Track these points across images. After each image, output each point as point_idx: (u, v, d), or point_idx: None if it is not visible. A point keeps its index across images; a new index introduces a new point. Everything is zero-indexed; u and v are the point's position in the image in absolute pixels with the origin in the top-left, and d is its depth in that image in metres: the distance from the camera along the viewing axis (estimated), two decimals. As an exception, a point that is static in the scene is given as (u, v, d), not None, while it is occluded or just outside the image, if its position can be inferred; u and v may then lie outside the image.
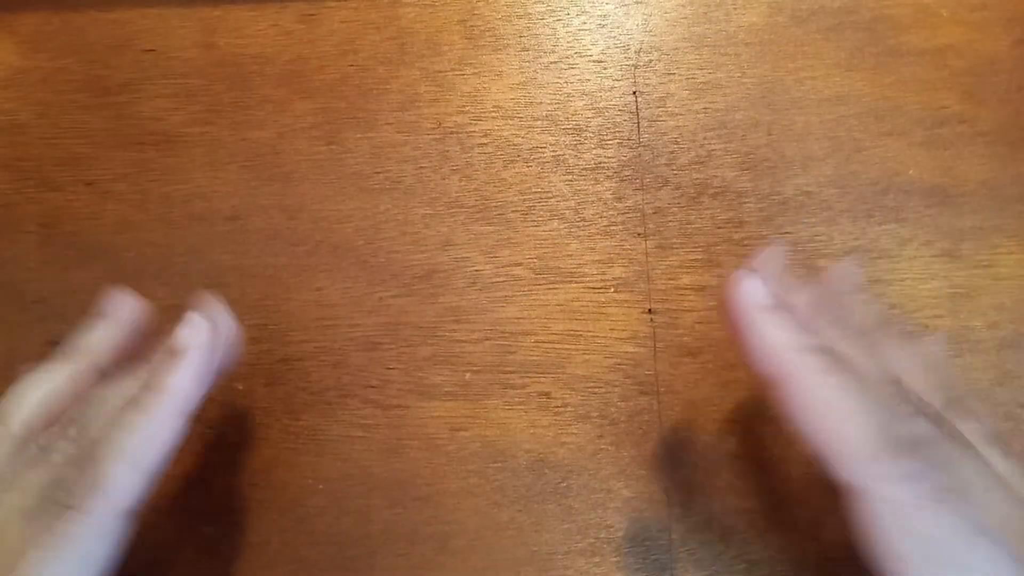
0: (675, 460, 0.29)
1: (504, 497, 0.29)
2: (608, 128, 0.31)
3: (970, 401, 0.20)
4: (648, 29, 0.32)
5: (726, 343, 0.30)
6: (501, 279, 0.31)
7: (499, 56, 0.32)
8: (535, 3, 0.32)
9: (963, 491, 0.17)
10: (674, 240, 0.31)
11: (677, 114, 0.31)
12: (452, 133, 0.31)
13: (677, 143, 0.31)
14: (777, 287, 0.20)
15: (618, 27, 0.32)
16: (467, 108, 0.32)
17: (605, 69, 0.32)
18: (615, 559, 0.29)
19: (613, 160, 0.31)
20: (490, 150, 0.31)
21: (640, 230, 0.31)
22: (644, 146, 0.31)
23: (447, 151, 0.31)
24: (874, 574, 0.18)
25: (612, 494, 0.29)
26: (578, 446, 0.30)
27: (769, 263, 0.21)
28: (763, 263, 0.20)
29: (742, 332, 0.19)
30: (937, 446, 0.18)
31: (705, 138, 0.31)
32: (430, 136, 0.32)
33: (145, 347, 0.24)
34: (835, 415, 0.18)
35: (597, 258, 0.31)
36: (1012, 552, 0.17)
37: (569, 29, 0.32)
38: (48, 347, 0.23)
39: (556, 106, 0.32)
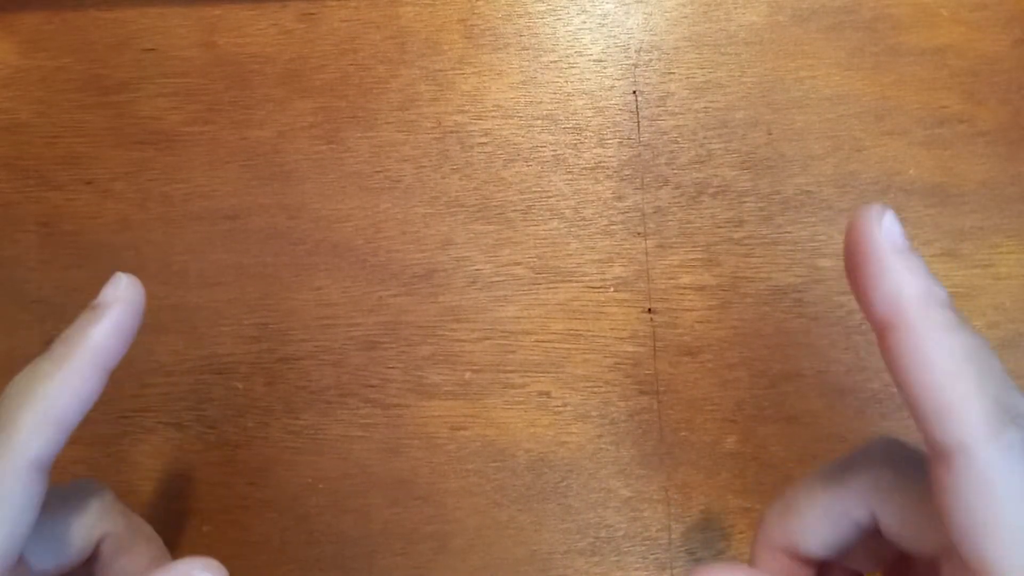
0: (675, 460, 0.30)
1: (504, 496, 0.29)
2: (608, 127, 0.31)
3: None
4: (648, 28, 0.32)
5: (726, 343, 0.30)
6: (501, 278, 0.31)
7: (499, 55, 0.32)
8: (535, 2, 0.32)
9: None
10: (674, 239, 0.31)
11: (677, 113, 0.31)
12: (452, 132, 0.31)
13: (677, 142, 0.31)
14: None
15: (618, 26, 0.32)
16: (467, 107, 0.32)
17: (605, 68, 0.32)
18: (615, 558, 0.29)
19: (613, 159, 0.31)
20: (490, 149, 0.31)
21: (640, 229, 0.31)
22: (644, 145, 0.31)
23: (447, 150, 0.31)
24: (956, 543, 0.17)
25: (612, 493, 0.29)
26: (578, 445, 0.30)
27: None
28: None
29: (870, 270, 0.18)
30: None
31: (705, 137, 0.31)
32: (430, 135, 0.32)
33: None
34: (955, 373, 0.17)
35: (597, 257, 0.31)
36: None
37: (569, 28, 0.32)
38: (48, 347, 0.23)
39: (556, 105, 0.32)
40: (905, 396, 0.18)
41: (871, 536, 0.20)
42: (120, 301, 0.22)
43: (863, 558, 0.21)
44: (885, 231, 0.18)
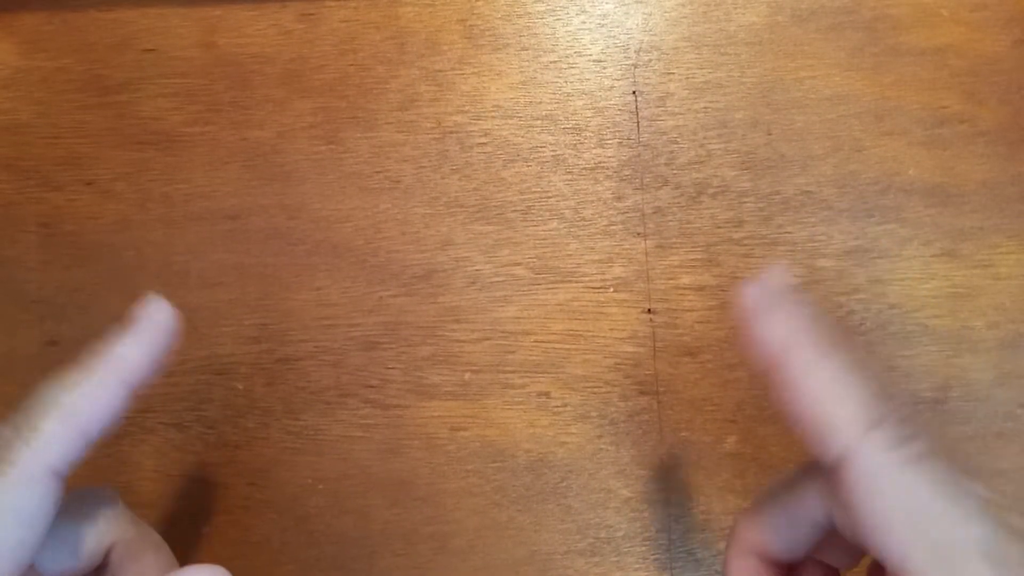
0: (675, 460, 0.29)
1: (504, 497, 0.29)
2: (608, 128, 0.31)
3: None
4: (648, 28, 0.32)
5: (726, 343, 0.30)
6: (501, 279, 0.31)
7: (499, 55, 0.32)
8: (535, 2, 0.32)
9: (945, 453, 0.18)
10: (674, 240, 0.31)
11: (677, 113, 0.31)
12: (452, 132, 0.32)
13: (677, 143, 0.31)
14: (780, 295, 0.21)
15: (618, 26, 0.32)
16: (467, 108, 0.32)
17: (605, 68, 0.32)
18: (615, 559, 0.29)
19: (613, 160, 0.31)
20: (490, 150, 0.31)
21: (640, 230, 0.31)
22: (644, 146, 0.31)
23: (447, 151, 0.31)
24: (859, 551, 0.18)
25: (611, 494, 0.29)
26: (577, 446, 0.30)
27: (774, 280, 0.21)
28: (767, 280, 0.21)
29: (744, 325, 0.20)
30: (918, 418, 0.18)
31: (705, 138, 0.31)
32: (430, 135, 0.32)
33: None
34: (825, 395, 0.19)
35: (597, 258, 0.31)
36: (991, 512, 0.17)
37: (569, 28, 0.32)
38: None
39: (556, 106, 0.32)
40: (795, 427, 0.19)
41: (838, 534, 0.20)
42: (149, 319, 0.22)
43: (839, 554, 0.22)
44: (762, 284, 0.20)
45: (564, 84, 0.32)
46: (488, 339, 0.30)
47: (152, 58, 0.32)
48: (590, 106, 0.32)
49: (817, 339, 0.19)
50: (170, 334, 0.23)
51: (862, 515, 0.18)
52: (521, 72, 0.32)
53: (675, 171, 0.31)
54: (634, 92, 0.32)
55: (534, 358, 0.30)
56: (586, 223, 0.31)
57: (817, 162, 0.31)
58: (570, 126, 0.31)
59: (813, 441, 0.19)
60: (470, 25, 0.32)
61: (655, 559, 0.29)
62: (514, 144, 0.31)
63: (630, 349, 0.30)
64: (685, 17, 0.32)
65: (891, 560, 0.17)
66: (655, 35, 0.32)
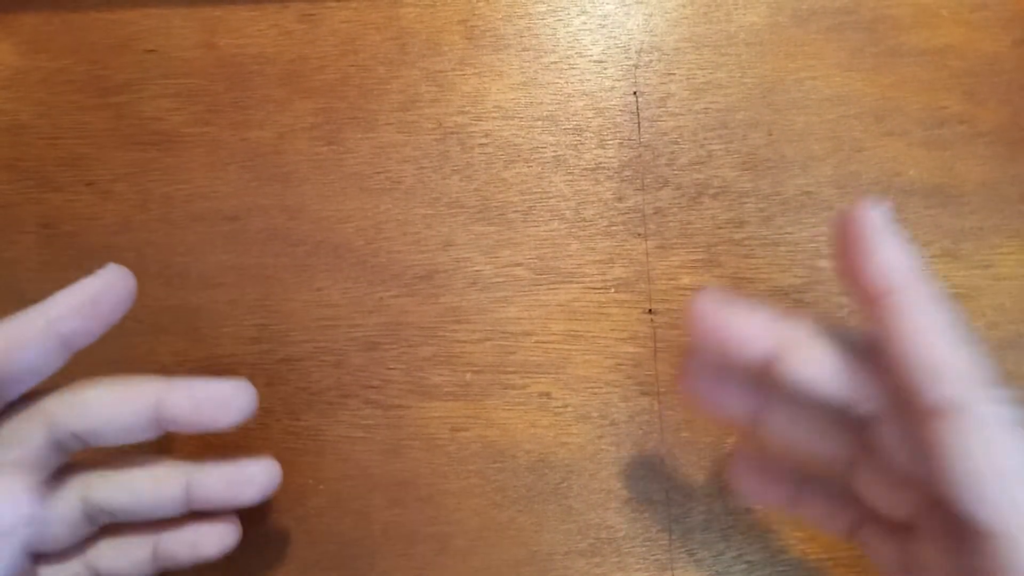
0: (675, 460, 0.30)
1: (504, 497, 0.29)
2: (608, 128, 0.31)
3: None
4: (648, 29, 0.32)
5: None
6: (501, 279, 0.31)
7: (500, 56, 0.32)
8: (536, 3, 0.32)
9: None
10: (674, 240, 0.31)
11: (677, 114, 0.32)
12: (452, 133, 0.32)
13: (677, 143, 0.31)
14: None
15: (618, 27, 0.32)
16: (468, 108, 0.32)
17: (605, 69, 0.32)
18: (615, 559, 0.29)
19: (613, 160, 0.31)
20: (490, 150, 0.31)
21: (640, 230, 0.31)
22: (644, 146, 0.31)
23: (447, 151, 0.31)
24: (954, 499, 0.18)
25: (612, 494, 0.29)
26: (578, 446, 0.30)
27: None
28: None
29: (866, 245, 0.20)
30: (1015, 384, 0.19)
31: (705, 138, 0.31)
32: (430, 136, 0.32)
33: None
34: (947, 337, 0.19)
35: (597, 258, 0.31)
36: None
37: (569, 29, 0.32)
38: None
39: (556, 106, 0.32)
40: (899, 357, 0.19)
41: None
42: (94, 278, 0.22)
43: (880, 491, 0.22)
44: (880, 214, 0.20)
45: (565, 85, 0.32)
46: (489, 340, 0.30)
47: (153, 59, 0.32)
48: (591, 107, 0.32)
49: (930, 278, 0.19)
50: (115, 289, 0.22)
51: (962, 467, 0.18)
52: (522, 73, 0.32)
53: (676, 172, 0.31)
54: (635, 93, 0.32)
55: (535, 359, 0.30)
56: (587, 224, 0.31)
57: (817, 163, 0.31)
58: (571, 127, 0.32)
59: (921, 379, 0.18)
60: (471, 26, 0.32)
61: (655, 559, 0.29)
62: (515, 145, 0.31)
63: (631, 350, 0.30)
64: (686, 18, 0.32)
65: (980, 516, 0.18)
66: (656, 36, 0.32)
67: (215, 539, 0.25)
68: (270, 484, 0.25)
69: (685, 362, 0.23)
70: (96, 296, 0.22)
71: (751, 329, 0.20)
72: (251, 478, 0.25)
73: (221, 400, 0.23)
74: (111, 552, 0.24)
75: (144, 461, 0.24)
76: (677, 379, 0.23)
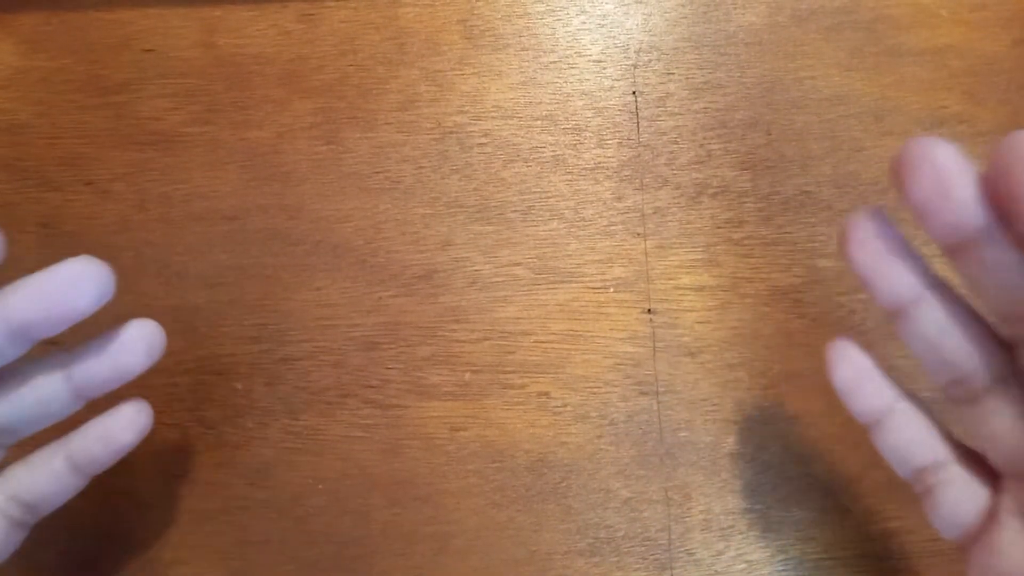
0: (675, 460, 0.29)
1: (503, 497, 0.29)
2: (608, 128, 0.31)
3: None
4: (648, 29, 0.32)
5: (726, 343, 0.30)
6: (501, 279, 0.31)
7: (499, 56, 0.32)
8: (535, 3, 0.32)
9: None
10: (674, 240, 0.31)
11: (677, 114, 0.31)
12: (451, 133, 0.32)
13: (677, 143, 0.31)
14: None
15: (618, 27, 0.32)
16: (467, 108, 0.32)
17: (604, 69, 0.32)
18: (614, 559, 0.29)
19: (613, 160, 0.31)
20: (489, 150, 0.31)
21: (640, 230, 0.31)
22: (644, 146, 0.31)
23: (446, 151, 0.31)
24: None
25: (611, 494, 0.29)
26: (577, 446, 0.30)
27: None
28: None
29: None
30: None
31: (705, 138, 0.31)
32: (429, 136, 0.32)
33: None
34: None
35: (597, 258, 0.31)
36: None
37: (569, 29, 0.32)
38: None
39: (556, 106, 0.32)
40: None
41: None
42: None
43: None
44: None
45: (564, 84, 0.32)
46: (488, 339, 0.30)
47: (152, 58, 0.32)
48: (590, 106, 0.32)
49: None
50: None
51: None
52: (521, 72, 0.32)
53: (675, 171, 0.31)
54: (634, 92, 0.32)
55: (534, 358, 0.30)
56: (586, 223, 0.31)
57: (817, 162, 0.31)
58: (570, 126, 0.31)
59: None
60: (470, 25, 0.32)
61: (655, 559, 0.29)
62: (514, 144, 0.31)
63: (630, 349, 0.30)
64: (685, 17, 0.32)
65: None
66: (655, 35, 0.32)
67: (124, 423, 0.23)
68: (154, 344, 0.22)
69: (859, 223, 0.21)
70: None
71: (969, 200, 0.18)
72: (131, 343, 0.22)
73: (68, 280, 0.21)
74: (25, 475, 0.23)
75: (16, 365, 0.22)
76: (845, 240, 0.21)
